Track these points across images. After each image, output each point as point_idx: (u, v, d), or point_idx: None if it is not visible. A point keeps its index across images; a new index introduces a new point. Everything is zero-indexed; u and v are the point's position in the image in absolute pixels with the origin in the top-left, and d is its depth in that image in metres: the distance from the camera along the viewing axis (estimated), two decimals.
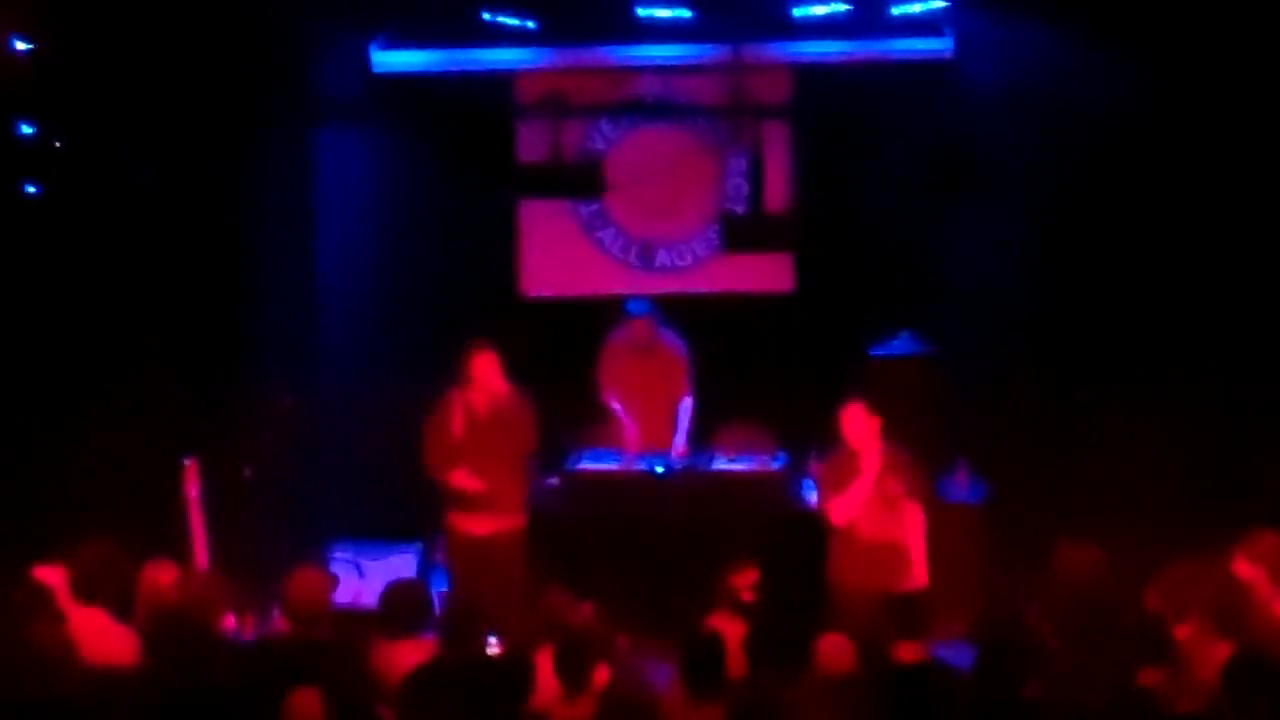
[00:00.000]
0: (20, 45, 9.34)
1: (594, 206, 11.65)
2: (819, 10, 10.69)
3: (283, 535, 10.35)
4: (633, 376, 10.56)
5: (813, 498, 9.93)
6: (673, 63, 11.24)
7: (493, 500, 9.46)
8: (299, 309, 11.27)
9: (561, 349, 10.78)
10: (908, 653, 7.00)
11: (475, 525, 9.47)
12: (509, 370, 9.55)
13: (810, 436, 10.22)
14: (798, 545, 9.63)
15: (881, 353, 10.51)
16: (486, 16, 10.80)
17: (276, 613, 7.84)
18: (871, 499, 8.85)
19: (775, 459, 10.29)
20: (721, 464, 10.32)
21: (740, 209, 11.44)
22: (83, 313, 10.20)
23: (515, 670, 6.75)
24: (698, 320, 10.94)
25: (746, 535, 9.53)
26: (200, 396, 10.23)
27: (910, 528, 8.91)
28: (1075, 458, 10.59)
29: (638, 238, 11.73)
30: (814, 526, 9.53)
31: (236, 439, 10.33)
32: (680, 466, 10.28)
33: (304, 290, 11.34)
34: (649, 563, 9.87)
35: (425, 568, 10.56)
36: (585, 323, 11.00)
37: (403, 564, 10.51)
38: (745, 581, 8.28)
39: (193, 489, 8.94)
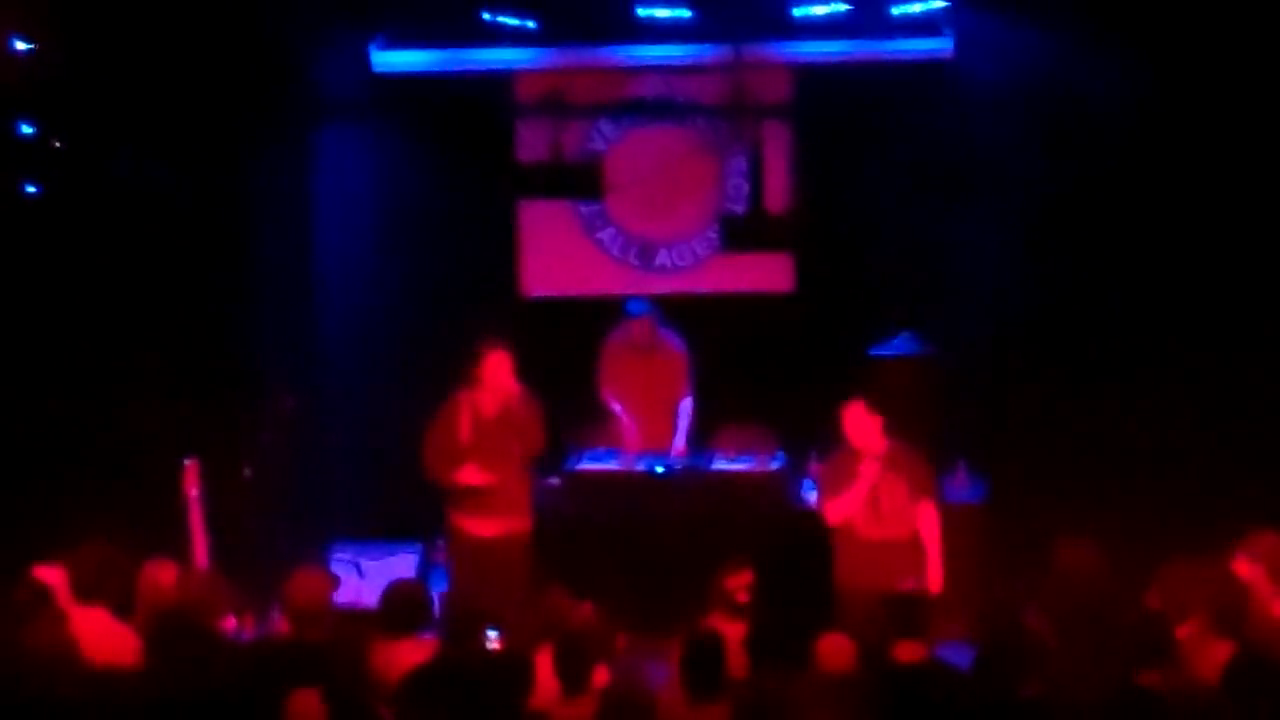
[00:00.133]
0: (20, 45, 9.34)
1: (594, 206, 11.65)
2: (819, 10, 10.69)
3: (283, 535, 10.35)
4: (633, 376, 10.56)
5: (813, 498, 9.94)
6: (673, 63, 11.24)
7: (499, 502, 9.42)
8: (299, 309, 11.27)
9: (561, 349, 10.78)
10: (907, 652, 7.00)
11: (481, 527, 9.44)
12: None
13: (810, 436, 10.24)
14: (797, 545, 9.62)
15: (881, 353, 10.51)
16: (486, 16, 10.81)
17: (276, 613, 7.83)
18: (876, 498, 8.84)
19: (775, 459, 10.29)
20: (721, 464, 10.32)
21: (740, 209, 11.45)
22: (83, 313, 10.21)
23: (515, 670, 6.74)
24: (698, 320, 10.94)
25: (746, 535, 9.54)
26: (200, 396, 10.23)
27: (925, 527, 8.89)
28: (1075, 458, 10.59)
29: (638, 238, 11.73)
30: (814, 526, 9.53)
31: (236, 439, 10.33)
32: (680, 466, 10.28)
33: (304, 290, 11.34)
34: (649, 563, 9.87)
35: (425, 568, 10.56)
36: (585, 323, 11.00)
37: (403, 564, 10.51)
38: (740, 583, 8.28)
39: (193, 489, 8.94)
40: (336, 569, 9.76)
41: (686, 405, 10.53)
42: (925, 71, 10.92)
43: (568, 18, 10.95)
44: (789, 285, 11.50)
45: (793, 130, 11.40)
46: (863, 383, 9.60)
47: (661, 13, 10.75)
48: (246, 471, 10.25)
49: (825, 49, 11.02)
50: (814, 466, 10.06)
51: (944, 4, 10.68)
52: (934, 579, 8.80)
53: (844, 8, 10.66)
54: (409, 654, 7.04)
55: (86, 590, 7.36)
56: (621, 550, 9.93)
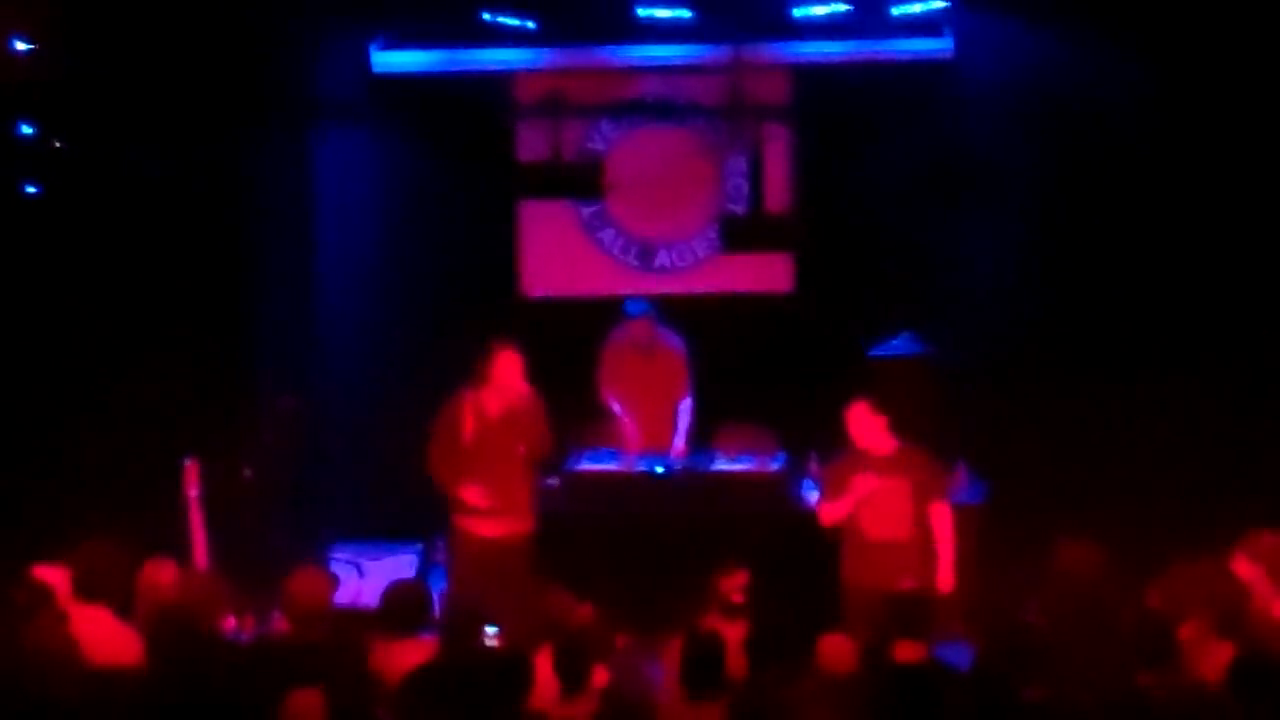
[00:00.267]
0: (20, 45, 9.35)
1: (594, 206, 11.65)
2: (819, 10, 10.70)
3: (283, 535, 10.35)
4: (632, 376, 10.55)
5: (813, 497, 9.94)
6: (673, 63, 11.25)
7: (503, 503, 9.39)
8: (299, 309, 11.27)
9: (561, 349, 10.77)
10: (907, 652, 7.00)
11: (484, 527, 9.40)
12: None
13: (810, 436, 10.24)
14: (797, 545, 9.63)
15: (881, 353, 10.51)
16: (486, 16, 10.82)
17: (276, 613, 7.83)
18: (878, 499, 8.84)
19: (775, 459, 10.28)
20: (721, 464, 10.32)
21: (740, 209, 11.45)
22: (83, 313, 10.21)
23: (514, 670, 6.74)
24: (698, 320, 10.94)
25: (746, 535, 9.54)
26: (200, 396, 10.24)
27: (938, 528, 8.88)
28: (1075, 458, 10.59)
29: (638, 238, 11.73)
30: (814, 527, 9.53)
31: (236, 439, 10.33)
32: (680, 467, 10.28)
33: (304, 290, 11.34)
34: (649, 563, 9.86)
35: (425, 568, 10.56)
36: (585, 323, 11.00)
37: (403, 564, 10.52)
38: (735, 584, 8.27)
39: (193, 489, 8.93)
40: (336, 569, 9.76)
41: (686, 405, 10.53)
42: (925, 71, 10.93)
43: (568, 18, 10.96)
44: (789, 285, 11.50)
45: (793, 130, 11.40)
46: (863, 383, 9.60)
47: (661, 13, 10.76)
48: (246, 471, 10.26)
49: (825, 49, 11.03)
50: (813, 466, 10.06)
51: (944, 4, 10.69)
52: (944, 579, 8.79)
53: (844, 8, 10.66)
54: (409, 654, 7.03)
55: (88, 590, 7.35)
56: (621, 550, 9.92)
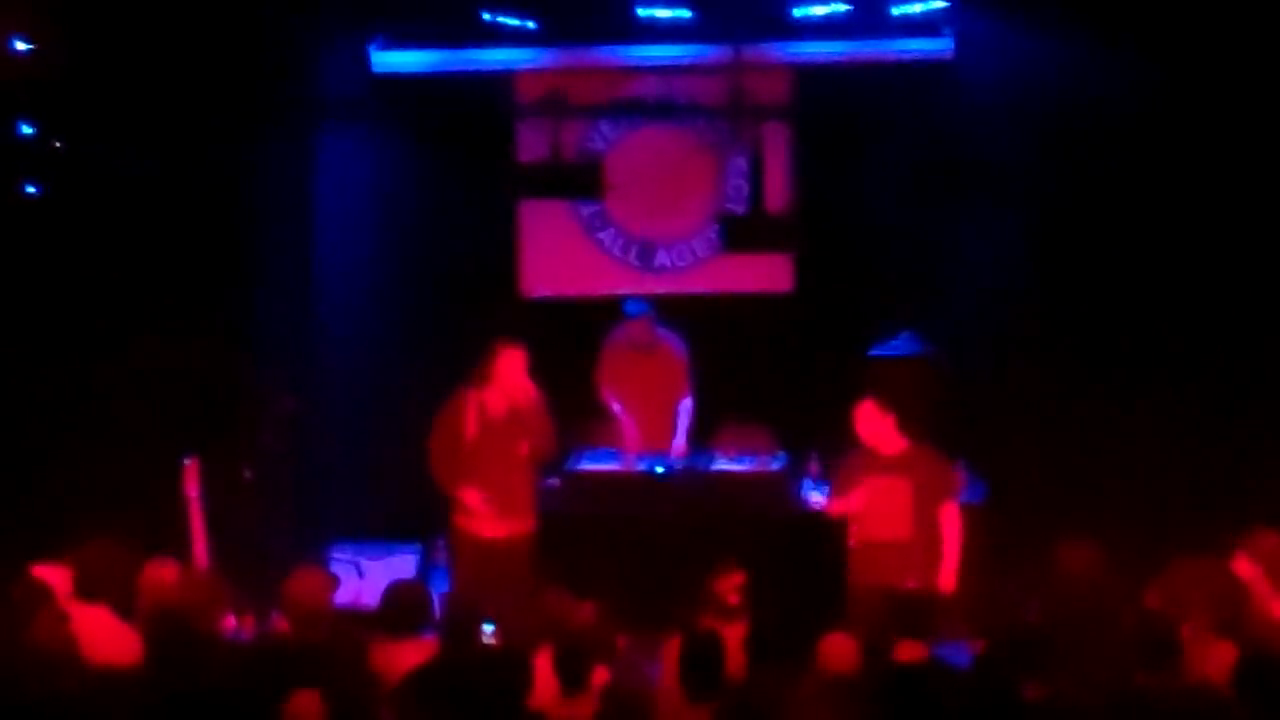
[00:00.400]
0: (20, 45, 9.35)
1: (594, 206, 11.65)
2: (819, 10, 10.70)
3: (283, 535, 10.36)
4: (632, 377, 10.56)
5: (813, 497, 9.95)
6: (673, 63, 11.24)
7: (504, 504, 9.39)
8: (299, 309, 11.26)
9: (561, 349, 10.77)
10: (908, 652, 7.00)
11: (485, 528, 9.40)
12: None
13: (810, 436, 10.24)
14: (797, 545, 9.63)
15: (881, 352, 10.51)
16: (486, 16, 10.82)
17: (276, 613, 7.83)
18: (882, 499, 8.84)
19: (775, 459, 10.28)
20: (721, 464, 10.32)
21: (740, 209, 11.45)
22: (83, 313, 10.21)
23: (514, 670, 6.74)
24: (698, 320, 10.94)
25: (746, 535, 9.53)
26: (200, 397, 10.23)
27: (946, 529, 8.87)
28: (1075, 457, 10.60)
29: (638, 238, 11.73)
30: (814, 526, 9.55)
31: (236, 439, 10.33)
32: (680, 466, 10.28)
33: (304, 290, 11.33)
34: (649, 563, 9.86)
35: (425, 568, 10.56)
36: (585, 323, 11.00)
37: (403, 564, 10.51)
38: (730, 584, 8.27)
39: (193, 489, 8.94)
40: (336, 569, 9.75)
41: (686, 405, 10.53)
42: (925, 71, 10.92)
43: (568, 18, 10.96)
44: (789, 285, 11.50)
45: (793, 130, 11.39)
46: (864, 383, 9.60)
47: (661, 13, 10.76)
48: (246, 472, 10.26)
49: (825, 49, 11.03)
50: (814, 466, 10.07)
51: (944, 4, 10.69)
52: (945, 580, 8.79)
53: (844, 8, 10.66)
54: (409, 654, 7.04)
55: (88, 590, 7.36)
56: (622, 550, 9.92)
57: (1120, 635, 6.98)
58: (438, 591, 9.41)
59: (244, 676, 6.76)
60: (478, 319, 10.48)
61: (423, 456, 9.40)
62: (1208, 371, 10.46)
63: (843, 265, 11.33)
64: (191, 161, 10.34)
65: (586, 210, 11.69)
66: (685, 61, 11.20)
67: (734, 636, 7.12)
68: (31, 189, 9.99)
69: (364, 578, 10.36)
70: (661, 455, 10.33)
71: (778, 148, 11.39)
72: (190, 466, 8.97)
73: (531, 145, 11.47)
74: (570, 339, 10.93)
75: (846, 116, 11.16)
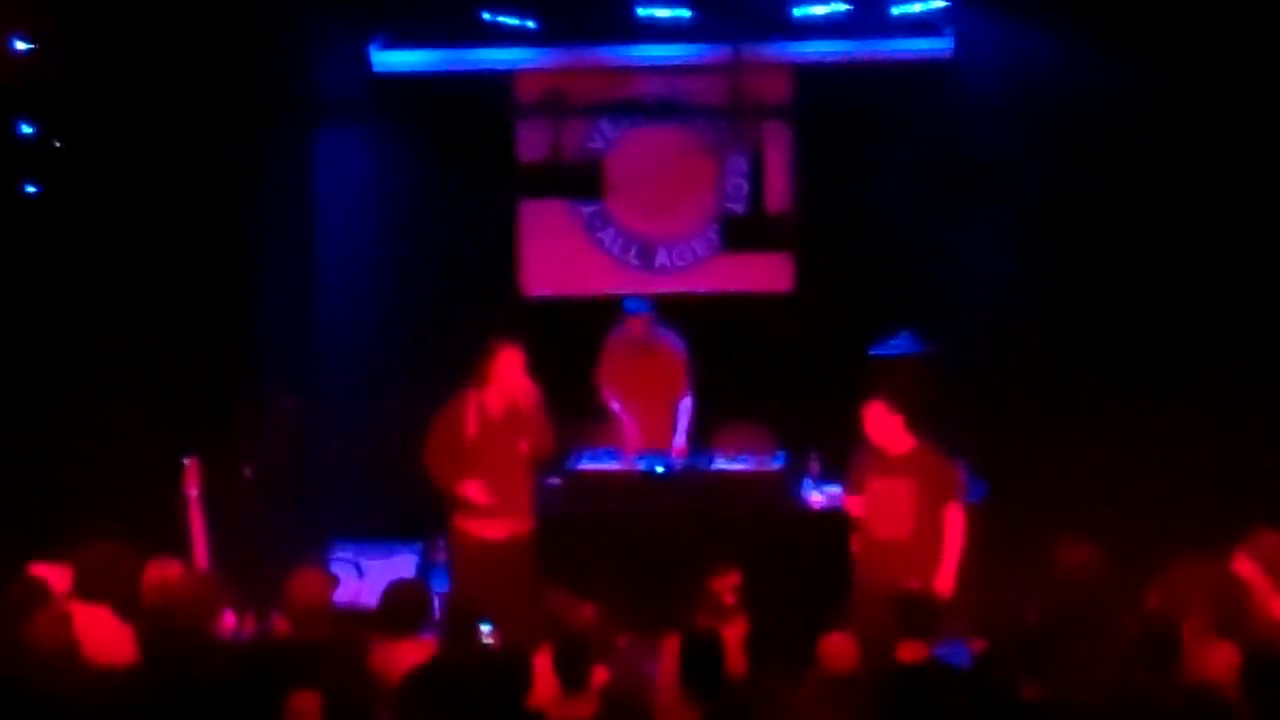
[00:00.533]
0: (20, 45, 9.35)
1: (594, 206, 11.65)
2: (819, 10, 10.70)
3: (283, 535, 10.34)
4: (632, 376, 10.55)
5: (813, 497, 9.95)
6: (673, 63, 11.25)
7: (504, 504, 9.36)
8: (299, 309, 11.27)
9: (561, 349, 10.77)
10: (908, 652, 7.00)
11: (484, 529, 9.38)
12: None
13: (810, 436, 10.24)
14: (797, 545, 9.63)
15: (881, 352, 10.51)
16: (486, 16, 10.81)
17: (276, 612, 7.83)
18: (887, 497, 8.84)
19: (775, 459, 10.28)
20: (721, 464, 10.32)
21: (740, 209, 11.45)
22: (83, 313, 10.22)
23: (514, 670, 6.74)
24: (698, 320, 10.93)
25: (746, 535, 9.54)
26: (200, 396, 10.24)
27: (949, 530, 8.87)
28: (1075, 457, 10.59)
29: (638, 238, 11.73)
30: (814, 526, 9.55)
31: (236, 439, 10.33)
32: (680, 466, 10.28)
33: (304, 290, 11.34)
34: (649, 563, 9.85)
35: (425, 568, 10.55)
36: (585, 323, 11.00)
37: (403, 564, 10.51)
38: (726, 584, 8.27)
39: (193, 489, 8.94)
40: (336, 569, 9.76)
41: (686, 405, 10.53)
42: (925, 71, 10.93)
43: (568, 18, 10.96)
44: (789, 285, 11.50)
45: (793, 130, 11.40)
46: (865, 382, 9.60)
47: (661, 13, 10.76)
48: (246, 471, 10.24)
49: (825, 49, 11.03)
50: (814, 466, 10.07)
51: (944, 4, 10.69)
52: (943, 582, 8.78)
53: (844, 8, 10.66)
54: (409, 654, 7.04)
55: (90, 589, 7.36)
56: (621, 550, 9.91)
57: (1120, 635, 6.98)
58: (438, 591, 9.43)
59: (244, 676, 6.77)
60: (478, 319, 10.47)
61: (421, 457, 9.39)
62: (1208, 371, 10.46)
63: (843, 265, 11.33)
64: (192, 161, 10.34)
65: (586, 210, 11.69)
66: (685, 61, 11.21)
67: (732, 636, 7.12)
68: (31, 189, 9.99)
69: (364, 578, 10.36)
70: (661, 455, 10.33)
71: (778, 147, 11.39)
72: (190, 466, 8.96)
73: (531, 145, 11.47)
74: (570, 339, 10.93)
75: (846, 116, 11.16)
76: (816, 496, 9.94)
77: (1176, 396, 10.42)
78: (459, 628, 7.32)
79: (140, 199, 10.28)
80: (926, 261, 11.05)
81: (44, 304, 10.16)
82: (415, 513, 10.36)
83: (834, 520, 9.52)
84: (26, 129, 9.81)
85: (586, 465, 10.32)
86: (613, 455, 10.39)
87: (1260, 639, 6.93)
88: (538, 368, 9.51)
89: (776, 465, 10.24)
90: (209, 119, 10.28)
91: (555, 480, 10.18)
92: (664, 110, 11.52)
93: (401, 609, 7.48)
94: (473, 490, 9.27)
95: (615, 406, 10.55)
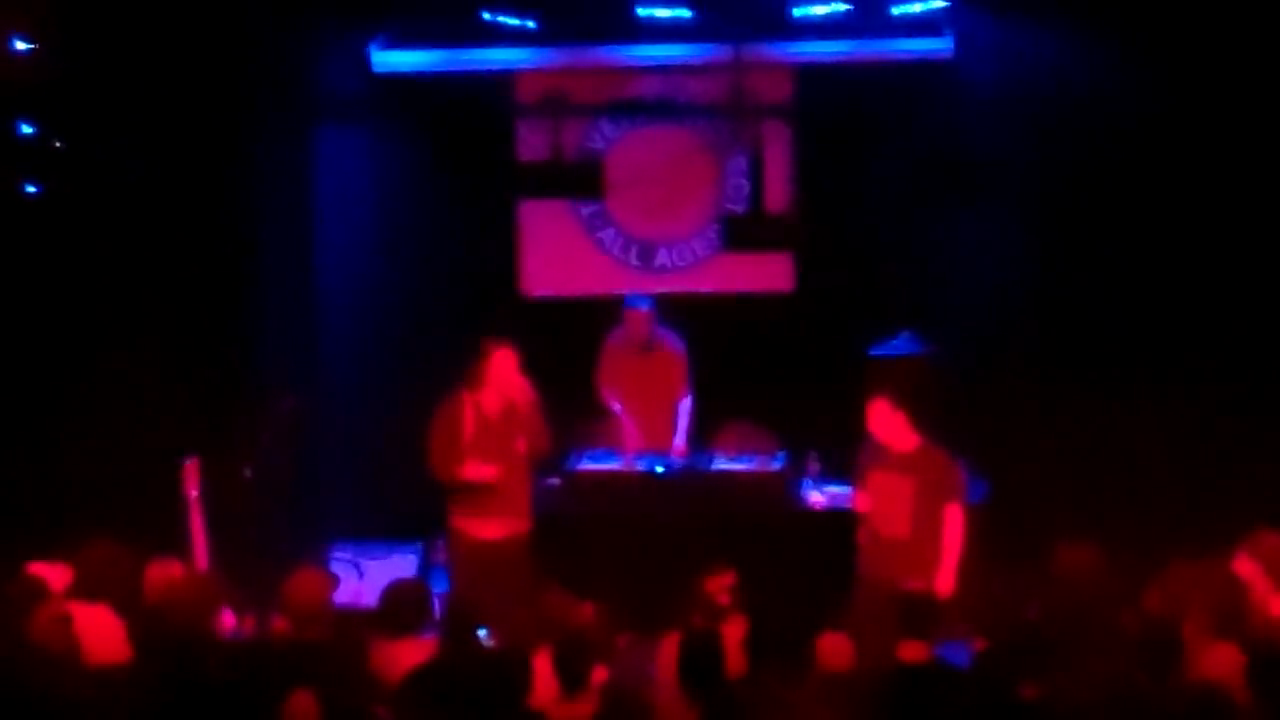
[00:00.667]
0: (20, 45, 9.35)
1: (594, 206, 11.65)
2: (819, 10, 10.70)
3: (283, 535, 10.34)
4: (632, 376, 10.56)
5: (812, 497, 9.95)
6: (673, 63, 11.24)
7: (501, 503, 9.37)
8: (299, 309, 11.26)
9: (561, 349, 10.77)
10: (908, 652, 7.00)
11: (482, 529, 9.39)
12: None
13: (810, 436, 10.24)
14: (797, 545, 9.63)
15: (881, 352, 10.50)
16: (486, 16, 10.81)
17: (276, 612, 7.83)
18: (888, 495, 8.84)
19: (775, 459, 10.28)
20: (721, 464, 10.32)
21: (740, 209, 11.46)
22: (83, 313, 10.21)
23: (514, 670, 6.74)
24: (698, 320, 10.93)
25: (746, 535, 9.53)
26: (200, 396, 10.23)
27: (948, 530, 8.86)
28: (1075, 458, 10.59)
29: (638, 238, 11.73)
30: (814, 526, 9.54)
31: (236, 439, 10.32)
32: (680, 466, 10.28)
33: (304, 290, 11.33)
34: (649, 562, 9.85)
35: (425, 568, 10.56)
36: (585, 323, 11.00)
37: (403, 564, 10.52)
38: (721, 585, 8.27)
39: (193, 489, 8.93)
40: (336, 569, 9.76)
41: (686, 405, 10.53)
42: (925, 71, 10.92)
43: (568, 18, 10.96)
44: (789, 285, 11.50)
45: (793, 130, 11.40)
46: (865, 382, 9.60)
47: (661, 13, 10.76)
48: (246, 471, 10.24)
49: (825, 49, 11.02)
50: (814, 465, 10.07)
51: (944, 4, 10.69)
52: (943, 582, 8.77)
53: (844, 8, 10.66)
54: (409, 654, 7.04)
55: (90, 589, 7.36)
56: (621, 550, 9.91)
57: (1120, 635, 6.98)
58: (438, 591, 9.42)
59: (243, 676, 6.77)
60: (478, 319, 10.47)
61: (422, 458, 9.38)
62: (1208, 371, 10.46)
63: (843, 265, 11.32)
64: (191, 161, 10.33)
65: (586, 210, 11.69)
66: (685, 61, 11.20)
67: (732, 636, 7.12)
68: (31, 189, 9.99)
69: (364, 578, 10.36)
70: (661, 455, 10.33)
71: (778, 147, 11.39)
72: (190, 466, 8.96)
73: (531, 145, 11.48)
74: (570, 339, 10.93)
75: (846, 116, 11.17)
76: (816, 496, 9.94)
77: (1177, 396, 10.42)
78: (459, 628, 7.32)
79: (140, 199, 10.27)
80: (926, 261, 11.05)
81: (44, 304, 10.15)
82: (415, 513, 10.37)
83: (834, 520, 9.52)
84: (26, 129, 9.81)
85: (586, 465, 10.32)
86: (612, 455, 10.39)
87: (1260, 639, 6.93)
88: (538, 368, 9.51)
89: (776, 465, 10.24)
90: (209, 119, 10.28)
91: (555, 480, 10.18)
92: (664, 110, 11.52)
93: (401, 609, 7.48)
94: (475, 469, 9.25)
95: (615, 407, 10.55)
